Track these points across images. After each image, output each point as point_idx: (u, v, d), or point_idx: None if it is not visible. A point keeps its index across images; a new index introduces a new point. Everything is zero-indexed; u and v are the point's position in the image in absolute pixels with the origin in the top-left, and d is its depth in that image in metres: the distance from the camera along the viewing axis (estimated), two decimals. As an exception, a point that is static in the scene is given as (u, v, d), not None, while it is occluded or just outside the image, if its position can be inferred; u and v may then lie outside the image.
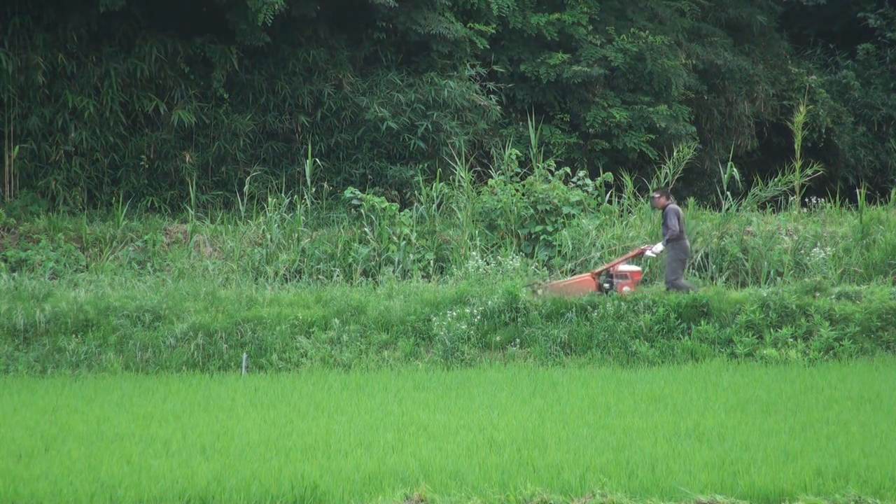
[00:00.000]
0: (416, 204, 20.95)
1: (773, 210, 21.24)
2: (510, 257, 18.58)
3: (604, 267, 16.77)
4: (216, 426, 11.06)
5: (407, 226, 20.04)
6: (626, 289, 16.26)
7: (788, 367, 14.73)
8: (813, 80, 32.93)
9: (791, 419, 11.07)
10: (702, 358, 15.27)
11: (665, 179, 20.28)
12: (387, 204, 20.35)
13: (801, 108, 22.06)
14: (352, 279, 18.75)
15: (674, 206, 16.69)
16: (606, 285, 16.46)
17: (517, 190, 20.54)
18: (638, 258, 17.04)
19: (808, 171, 20.83)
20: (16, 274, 18.04)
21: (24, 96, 22.09)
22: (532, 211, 20.14)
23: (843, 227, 20.19)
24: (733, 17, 32.81)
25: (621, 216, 20.62)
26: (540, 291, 16.40)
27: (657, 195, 17.01)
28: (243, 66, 23.45)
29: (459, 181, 21.04)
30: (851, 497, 8.49)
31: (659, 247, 16.63)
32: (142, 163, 22.73)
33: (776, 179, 20.69)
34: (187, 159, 22.78)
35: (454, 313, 15.90)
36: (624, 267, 16.58)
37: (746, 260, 19.11)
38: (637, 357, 15.42)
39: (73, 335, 15.73)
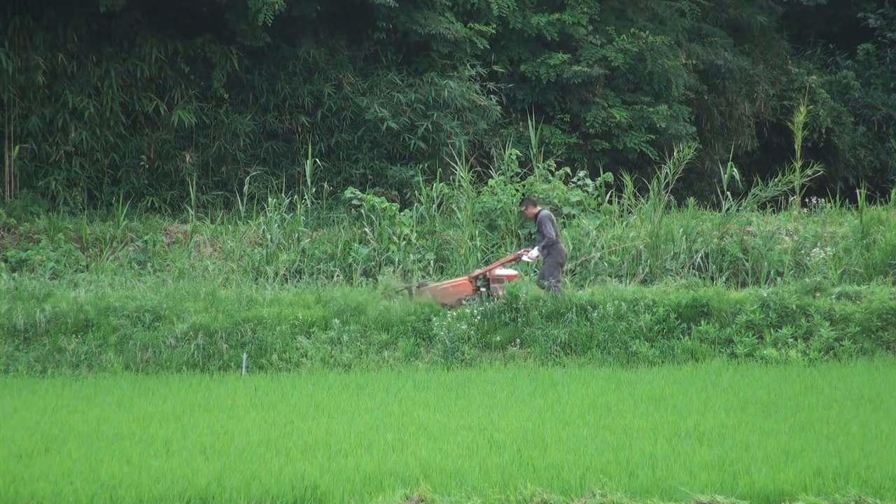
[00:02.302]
0: (416, 204, 20.96)
1: (774, 210, 21.23)
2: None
3: (480, 271, 16.71)
4: (216, 426, 11.06)
5: (407, 226, 20.04)
6: (502, 293, 16.27)
7: (788, 367, 14.73)
8: (813, 80, 32.93)
9: (791, 419, 11.07)
10: (702, 358, 15.27)
11: (665, 179, 20.27)
12: (387, 204, 20.35)
13: (801, 109, 22.04)
14: (352, 279, 18.75)
15: (546, 211, 16.69)
16: (483, 289, 16.43)
17: (517, 190, 20.54)
18: (515, 262, 17.04)
19: (809, 172, 20.82)
20: (16, 274, 18.04)
21: (24, 96, 22.10)
22: (532, 211, 20.12)
23: (843, 227, 20.18)
24: (733, 17, 32.81)
25: (621, 216, 20.62)
26: (418, 296, 16.39)
27: (524, 207, 17.02)
28: (243, 66, 23.45)
29: (459, 181, 21.05)
30: (851, 497, 8.49)
31: (535, 252, 16.61)
32: (142, 163, 22.74)
33: (776, 180, 20.68)
34: (187, 159, 22.78)
35: (454, 313, 15.91)
36: (501, 271, 16.54)
37: (746, 260, 19.10)
38: (637, 357, 15.42)
39: (74, 335, 15.73)
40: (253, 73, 23.66)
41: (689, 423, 10.84)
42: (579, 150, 27.38)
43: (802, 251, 19.11)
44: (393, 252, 19.36)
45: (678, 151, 20.56)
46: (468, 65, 25.41)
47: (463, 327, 15.73)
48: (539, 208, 16.81)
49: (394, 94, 24.11)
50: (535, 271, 17.38)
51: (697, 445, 9.91)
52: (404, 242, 19.62)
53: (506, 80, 27.21)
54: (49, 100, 22.29)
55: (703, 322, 15.77)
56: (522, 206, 17.06)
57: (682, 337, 15.68)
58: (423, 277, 18.22)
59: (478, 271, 16.78)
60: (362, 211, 20.44)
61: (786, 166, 21.15)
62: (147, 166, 22.76)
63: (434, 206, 20.80)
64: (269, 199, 20.40)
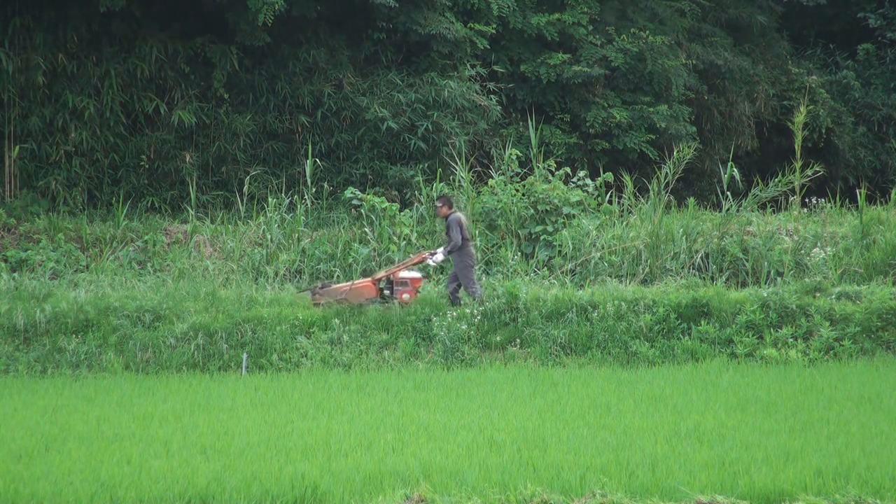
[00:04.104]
0: (416, 204, 20.96)
1: (774, 210, 21.22)
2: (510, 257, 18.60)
3: (384, 273, 16.71)
4: (216, 426, 11.06)
5: (407, 226, 20.04)
6: (405, 296, 16.26)
7: (788, 367, 14.73)
8: (813, 80, 32.94)
9: (791, 419, 11.07)
10: (702, 358, 15.28)
11: (665, 179, 20.27)
12: (387, 204, 20.35)
13: (802, 109, 22.02)
14: (352, 279, 18.74)
15: (456, 214, 16.63)
16: (387, 292, 16.44)
17: (517, 190, 20.54)
18: (420, 265, 17.04)
19: (809, 172, 20.81)
20: (16, 274, 18.04)
21: (25, 96, 22.10)
22: (532, 211, 20.14)
23: (843, 227, 20.18)
24: (733, 17, 32.83)
25: (621, 216, 20.61)
26: (320, 297, 16.38)
27: (440, 204, 16.94)
28: (243, 66, 23.45)
29: (460, 181, 21.05)
30: (851, 497, 8.49)
31: (440, 256, 16.58)
32: (142, 163, 22.73)
33: (776, 180, 20.67)
34: (187, 159, 22.78)
35: (454, 313, 15.91)
36: (405, 274, 16.55)
37: (746, 260, 19.10)
38: (637, 357, 15.42)
39: (74, 335, 15.73)
40: (253, 73, 23.66)
41: (689, 423, 10.84)
42: (579, 150, 27.38)
43: (802, 251, 19.11)
44: (393, 252, 19.36)
45: (678, 151, 20.55)
46: (468, 65, 25.41)
47: (463, 327, 15.74)
48: (452, 210, 16.76)
49: (394, 94, 24.11)
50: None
51: (697, 445, 9.91)
52: (404, 242, 19.62)
53: (506, 80, 27.21)
54: (49, 100, 22.28)
55: (703, 322, 15.77)
56: (438, 203, 17.02)
57: (682, 337, 15.68)
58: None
59: (382, 273, 16.79)
60: (362, 211, 20.45)
61: (786, 166, 21.14)
62: (147, 166, 22.76)
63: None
64: (269, 199, 20.40)
